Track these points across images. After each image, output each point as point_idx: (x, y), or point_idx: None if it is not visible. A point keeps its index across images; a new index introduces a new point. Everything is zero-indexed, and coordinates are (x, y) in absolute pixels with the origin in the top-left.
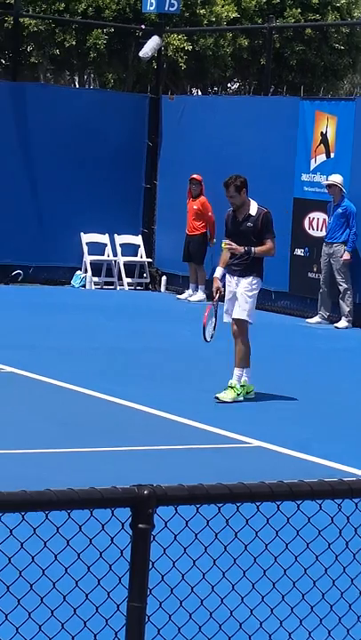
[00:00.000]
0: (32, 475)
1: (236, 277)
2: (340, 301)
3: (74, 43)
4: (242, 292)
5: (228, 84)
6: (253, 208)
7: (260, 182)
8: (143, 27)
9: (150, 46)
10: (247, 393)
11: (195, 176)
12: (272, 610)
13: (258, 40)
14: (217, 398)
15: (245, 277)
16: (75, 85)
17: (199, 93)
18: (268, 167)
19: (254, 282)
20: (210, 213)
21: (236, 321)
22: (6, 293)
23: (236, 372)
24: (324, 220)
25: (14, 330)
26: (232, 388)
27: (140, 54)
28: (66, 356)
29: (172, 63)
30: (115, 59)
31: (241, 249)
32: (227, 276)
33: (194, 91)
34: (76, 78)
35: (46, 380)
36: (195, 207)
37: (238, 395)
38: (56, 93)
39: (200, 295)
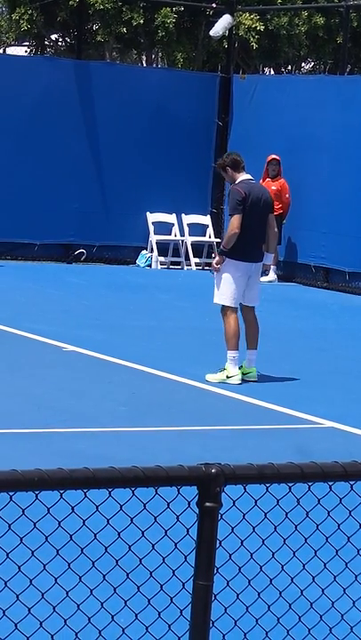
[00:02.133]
0: (96, 453)
1: None
2: None
3: (141, 21)
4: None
5: (303, 64)
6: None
7: (335, 163)
8: (214, 5)
9: (221, 25)
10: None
11: (274, 156)
12: (345, 590)
13: (334, 19)
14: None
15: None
16: (142, 64)
17: (272, 73)
18: (344, 147)
19: (225, 263)
20: (287, 195)
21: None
22: (70, 273)
23: (228, 354)
24: None
25: (78, 309)
26: (224, 369)
27: (211, 33)
28: (130, 335)
29: (243, 42)
30: (184, 37)
31: (216, 264)
32: None
33: (266, 70)
34: (144, 57)
35: (110, 359)
36: (273, 188)
37: (229, 377)
38: (124, 72)
39: (272, 276)
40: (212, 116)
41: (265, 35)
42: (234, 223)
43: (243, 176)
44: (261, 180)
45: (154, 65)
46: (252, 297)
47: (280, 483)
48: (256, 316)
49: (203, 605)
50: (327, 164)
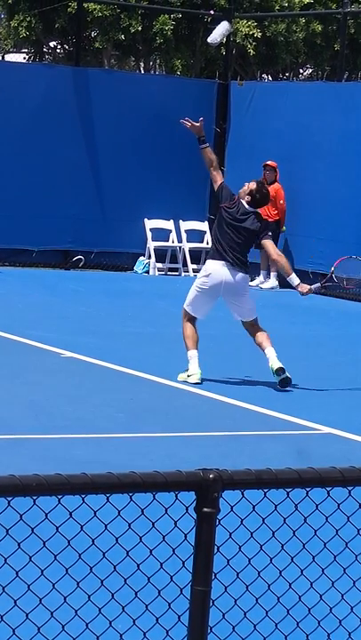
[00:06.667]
0: (94, 459)
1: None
2: None
3: (139, 28)
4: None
5: (300, 70)
6: None
7: (333, 169)
8: (212, 12)
9: (219, 32)
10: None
11: (269, 162)
12: (343, 595)
13: (332, 25)
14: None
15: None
16: (140, 71)
17: (269, 79)
18: (342, 154)
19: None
20: (281, 201)
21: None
22: (68, 279)
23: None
24: None
25: (76, 315)
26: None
27: (209, 40)
28: (128, 341)
29: (241, 49)
30: (182, 44)
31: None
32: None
33: (264, 76)
34: (142, 64)
35: (108, 365)
36: None
37: (189, 377)
38: (122, 79)
39: (273, 282)
40: (210, 122)
41: (262, 41)
42: None
43: None
44: None
45: (152, 72)
46: (241, 312)
47: (278, 488)
48: (259, 326)
49: (201, 611)
50: (325, 170)
